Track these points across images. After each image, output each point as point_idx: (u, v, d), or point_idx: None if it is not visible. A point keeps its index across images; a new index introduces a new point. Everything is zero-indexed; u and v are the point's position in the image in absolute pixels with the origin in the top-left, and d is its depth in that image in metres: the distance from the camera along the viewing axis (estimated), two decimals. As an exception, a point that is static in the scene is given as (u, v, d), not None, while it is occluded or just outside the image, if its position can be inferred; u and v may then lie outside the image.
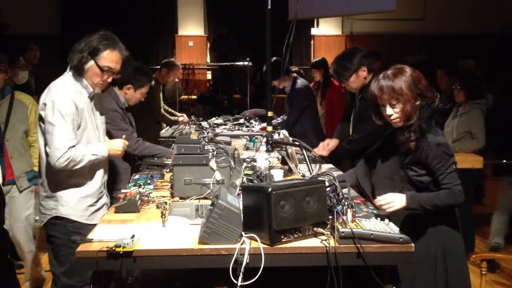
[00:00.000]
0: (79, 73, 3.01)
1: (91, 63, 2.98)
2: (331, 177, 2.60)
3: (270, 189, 2.25)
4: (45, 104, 2.92)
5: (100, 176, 3.16)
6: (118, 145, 3.21)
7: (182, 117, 5.73)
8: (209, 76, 11.55)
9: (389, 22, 11.27)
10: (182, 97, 8.15)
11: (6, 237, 3.13)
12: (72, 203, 3.01)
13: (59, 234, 2.96)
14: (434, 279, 2.73)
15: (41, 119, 2.95)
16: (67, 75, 3.04)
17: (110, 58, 3.01)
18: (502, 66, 8.99)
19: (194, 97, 10.03)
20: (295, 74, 5.82)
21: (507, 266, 4.75)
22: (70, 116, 2.91)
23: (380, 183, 2.85)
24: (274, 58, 5.46)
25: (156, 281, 2.75)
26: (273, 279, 2.35)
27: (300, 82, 5.72)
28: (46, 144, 2.91)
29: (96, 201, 3.05)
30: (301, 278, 2.53)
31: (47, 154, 2.92)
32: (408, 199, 2.64)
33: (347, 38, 11.79)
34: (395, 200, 2.64)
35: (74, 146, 2.90)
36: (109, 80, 3.09)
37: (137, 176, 3.45)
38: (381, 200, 2.66)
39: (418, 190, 2.71)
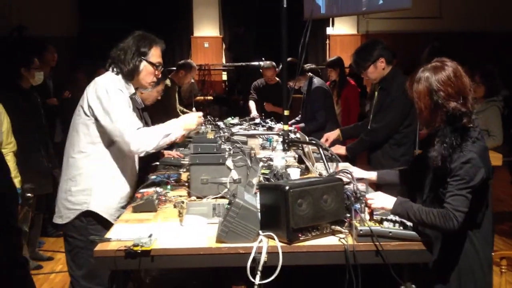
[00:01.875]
0: (131, 78, 3.06)
1: (144, 63, 3.05)
2: (349, 175, 2.58)
3: (287, 187, 2.24)
4: (97, 96, 2.92)
5: (133, 178, 3.17)
6: (192, 120, 3.14)
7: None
8: (224, 77, 11.57)
9: (405, 21, 11.20)
10: (198, 97, 8.18)
11: (18, 236, 3.09)
12: (106, 199, 2.99)
13: (79, 236, 2.95)
14: None
15: (85, 111, 2.96)
16: (111, 75, 3.07)
17: (157, 53, 3.10)
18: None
19: (209, 98, 10.05)
20: (310, 74, 5.78)
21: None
22: (126, 102, 2.99)
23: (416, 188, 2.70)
24: (289, 58, 5.45)
25: (174, 280, 2.76)
26: (290, 278, 2.34)
27: (317, 81, 5.69)
28: (111, 134, 2.92)
29: (127, 204, 3.04)
30: (318, 277, 2.51)
31: (117, 144, 2.93)
32: (397, 205, 2.41)
33: (362, 37, 11.72)
34: (378, 199, 2.45)
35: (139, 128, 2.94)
36: (159, 76, 3.17)
37: (153, 176, 3.45)
38: (369, 195, 2.50)
39: (440, 204, 2.42)
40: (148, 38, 3.10)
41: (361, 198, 2.43)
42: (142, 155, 2.98)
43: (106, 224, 2.94)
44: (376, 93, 4.01)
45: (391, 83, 3.88)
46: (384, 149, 3.87)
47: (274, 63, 7.03)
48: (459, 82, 2.40)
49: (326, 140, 4.13)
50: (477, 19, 11.13)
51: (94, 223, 2.97)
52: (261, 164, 3.18)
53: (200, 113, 3.24)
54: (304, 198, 2.27)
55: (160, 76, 3.19)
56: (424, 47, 10.66)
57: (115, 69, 3.05)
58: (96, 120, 2.94)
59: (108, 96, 2.92)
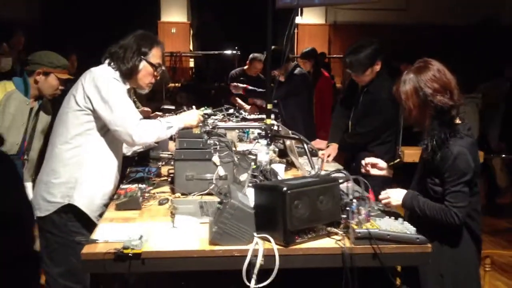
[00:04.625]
0: (129, 77, 2.98)
1: (143, 63, 2.99)
2: (345, 175, 2.53)
3: (285, 188, 2.16)
4: (95, 85, 2.83)
5: (118, 175, 3.06)
6: (193, 117, 3.13)
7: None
8: (191, 64, 11.39)
9: (373, 12, 11.23)
10: (170, 85, 8.01)
11: (37, 262, 2.87)
12: (90, 194, 2.88)
13: (59, 233, 2.82)
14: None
15: (78, 101, 2.85)
16: (109, 68, 2.98)
17: (158, 54, 3.05)
18: (484, 58, 9.02)
19: (178, 85, 9.87)
20: (296, 62, 5.68)
21: (499, 259, 4.76)
22: (126, 93, 2.94)
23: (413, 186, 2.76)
24: (274, 47, 5.36)
25: (160, 281, 2.66)
26: (285, 281, 2.27)
27: (299, 70, 5.59)
28: (110, 124, 2.83)
29: (109, 202, 2.92)
30: (314, 280, 2.45)
31: (117, 134, 2.85)
32: (407, 197, 2.56)
33: (330, 27, 11.73)
34: (393, 196, 2.59)
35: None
36: (158, 77, 3.13)
37: (133, 173, 3.31)
38: (382, 193, 2.63)
39: (430, 198, 2.56)
40: (150, 38, 3.05)
41: (360, 198, 2.39)
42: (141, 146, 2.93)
43: (87, 222, 2.83)
44: (362, 95, 3.91)
45: (379, 88, 3.77)
46: (368, 148, 3.83)
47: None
48: (443, 78, 2.51)
49: (329, 156, 3.98)
50: (442, 12, 11.24)
51: (74, 220, 2.84)
52: (252, 162, 3.08)
53: (201, 112, 3.19)
54: (301, 199, 2.20)
55: (158, 77, 3.13)
56: (390, 38, 10.75)
57: (113, 66, 2.94)
58: (92, 110, 2.83)
59: (107, 86, 2.82)
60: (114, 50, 2.98)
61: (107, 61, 2.98)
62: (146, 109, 5.45)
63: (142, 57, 2.98)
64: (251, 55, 7.22)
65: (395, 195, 2.60)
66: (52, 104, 3.58)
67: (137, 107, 5.68)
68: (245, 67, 7.25)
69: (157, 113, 5.48)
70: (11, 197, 2.33)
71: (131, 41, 2.99)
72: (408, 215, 2.60)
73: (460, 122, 2.55)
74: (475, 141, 2.59)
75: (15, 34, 5.67)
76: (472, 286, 2.61)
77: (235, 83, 6.09)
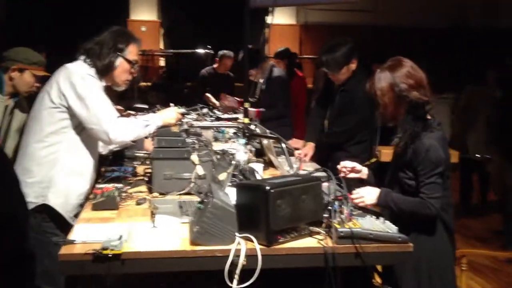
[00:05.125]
0: (105, 73, 2.92)
1: (120, 60, 2.93)
2: (327, 173, 2.52)
3: (268, 187, 2.14)
4: (70, 82, 2.76)
5: (94, 175, 2.98)
6: (172, 115, 3.09)
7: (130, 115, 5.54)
8: (162, 63, 11.27)
9: (342, 13, 11.32)
10: (141, 84, 7.92)
11: (33, 262, 2.78)
12: (65, 194, 2.81)
13: (32, 233, 2.74)
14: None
15: (52, 98, 2.79)
16: (84, 64, 2.92)
17: (134, 51, 3.01)
18: (452, 61, 9.16)
19: (149, 84, 9.76)
20: (272, 62, 5.66)
21: (473, 259, 4.83)
22: (102, 90, 2.88)
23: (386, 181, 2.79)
24: (250, 46, 5.33)
25: (139, 282, 2.60)
26: (266, 281, 2.24)
27: (277, 71, 5.58)
28: (86, 122, 2.77)
29: (84, 202, 2.84)
30: (297, 280, 2.43)
31: (93, 133, 2.79)
32: (381, 195, 2.59)
33: (301, 27, 11.74)
34: (366, 195, 2.61)
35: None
36: (135, 74, 3.08)
37: (109, 172, 3.23)
38: (354, 194, 2.62)
39: (404, 193, 2.63)
40: (126, 34, 3.01)
41: (342, 197, 2.37)
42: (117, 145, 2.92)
43: (62, 222, 2.77)
44: (338, 94, 3.91)
45: (356, 87, 3.77)
46: (344, 147, 3.83)
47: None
48: (417, 74, 2.58)
49: (305, 155, 3.94)
50: (411, 14, 11.38)
51: (49, 220, 2.77)
52: (233, 162, 3.04)
53: (180, 110, 3.14)
54: (283, 198, 2.18)
55: (136, 74, 3.08)
56: (359, 39, 10.80)
57: (88, 62, 2.87)
58: (67, 108, 2.76)
59: (83, 82, 2.76)
60: (89, 46, 2.92)
61: (82, 57, 2.91)
62: (118, 107, 5.37)
63: (119, 53, 2.93)
64: (220, 52, 7.21)
65: (368, 195, 2.62)
66: (28, 102, 3.48)
67: None
68: (215, 65, 7.22)
69: (129, 111, 5.40)
70: (7, 197, 2.25)
71: (107, 37, 2.93)
72: (388, 213, 2.60)
73: (430, 118, 2.63)
74: (445, 135, 2.70)
75: None
76: (448, 278, 2.64)
77: (226, 96, 6.03)
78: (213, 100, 6.80)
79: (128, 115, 4.64)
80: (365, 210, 2.56)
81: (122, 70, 2.97)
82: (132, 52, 2.99)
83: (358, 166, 2.89)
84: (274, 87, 5.42)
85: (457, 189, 6.55)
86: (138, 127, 2.86)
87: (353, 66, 3.77)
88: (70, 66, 2.86)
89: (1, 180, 2.22)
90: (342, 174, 2.84)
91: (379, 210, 2.66)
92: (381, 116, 2.67)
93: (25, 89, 3.38)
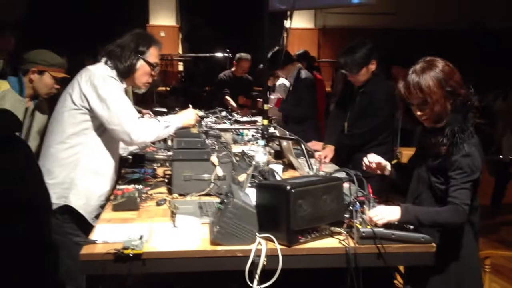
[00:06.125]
0: (126, 75, 2.95)
1: (141, 62, 2.95)
2: (350, 174, 2.50)
3: (289, 187, 2.13)
4: (92, 84, 2.78)
5: (115, 176, 3.00)
6: (191, 116, 3.09)
7: (148, 114, 5.58)
8: (180, 67, 11.32)
9: (362, 16, 11.26)
10: (160, 88, 7.95)
11: (55, 253, 2.79)
12: (86, 195, 2.82)
13: (54, 234, 2.75)
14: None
15: (74, 100, 2.81)
16: (105, 66, 2.94)
17: (155, 54, 3.02)
18: (473, 63, 9.06)
19: (167, 88, 9.80)
20: (299, 65, 5.66)
21: (494, 261, 4.76)
22: (123, 91, 2.90)
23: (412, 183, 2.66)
24: (276, 47, 5.35)
25: (159, 282, 2.60)
26: (287, 281, 2.23)
27: (305, 73, 5.57)
28: (107, 123, 2.78)
29: (105, 204, 2.85)
30: (318, 280, 2.42)
31: (115, 133, 2.80)
32: (403, 211, 2.35)
33: (319, 31, 11.71)
34: (385, 212, 2.34)
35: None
36: (156, 77, 3.10)
37: (129, 174, 3.24)
38: (371, 213, 2.35)
39: (437, 198, 2.48)
40: (148, 37, 3.02)
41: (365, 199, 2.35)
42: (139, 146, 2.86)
43: (83, 223, 2.77)
44: (358, 96, 3.87)
45: (375, 89, 3.76)
46: (364, 149, 3.78)
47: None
48: (457, 73, 2.45)
49: (325, 157, 3.87)
50: (431, 17, 11.30)
51: (70, 221, 2.79)
52: (254, 162, 3.03)
53: (199, 112, 3.16)
54: (304, 198, 2.17)
55: (156, 77, 3.10)
56: (380, 43, 10.74)
57: (109, 64, 2.90)
58: (89, 109, 2.77)
59: (105, 84, 2.78)
60: (111, 48, 2.93)
61: (103, 60, 2.93)
62: (146, 111, 5.42)
63: (140, 56, 2.94)
64: (237, 55, 7.22)
65: (386, 214, 2.35)
66: (48, 104, 3.51)
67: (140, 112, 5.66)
68: (233, 69, 7.23)
69: (148, 112, 5.44)
70: (31, 186, 2.27)
71: (129, 40, 2.94)
72: None
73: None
74: (479, 140, 2.53)
75: (4, 35, 5.58)
76: (476, 282, 2.57)
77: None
78: (232, 103, 6.82)
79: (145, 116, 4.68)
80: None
81: (143, 73, 2.99)
82: (153, 54, 3.00)
83: (383, 161, 2.80)
84: (301, 88, 5.42)
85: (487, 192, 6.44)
86: (159, 128, 2.87)
87: (372, 67, 3.74)
88: (91, 68, 2.88)
89: (25, 170, 2.25)
90: (366, 168, 2.77)
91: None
92: (425, 117, 2.47)
93: (45, 91, 3.40)
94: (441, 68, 2.41)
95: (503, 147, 5.91)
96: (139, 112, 5.58)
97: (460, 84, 2.42)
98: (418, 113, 2.46)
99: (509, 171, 6.20)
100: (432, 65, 2.43)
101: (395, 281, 2.47)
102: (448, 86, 2.39)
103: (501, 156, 5.45)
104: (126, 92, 3.30)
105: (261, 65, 5.66)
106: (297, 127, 4.99)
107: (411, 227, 2.30)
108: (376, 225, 2.27)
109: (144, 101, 6.61)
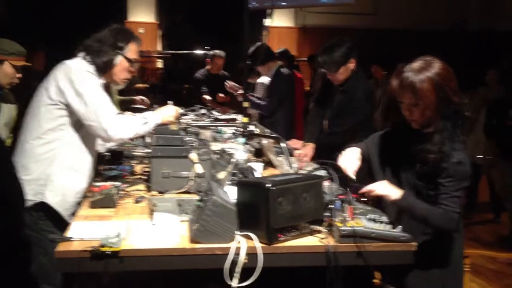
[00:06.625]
0: (104, 71, 2.89)
1: (119, 58, 2.91)
2: (330, 170, 2.48)
3: (268, 185, 2.11)
4: (69, 78, 2.73)
5: (92, 173, 2.94)
6: (170, 112, 3.03)
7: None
8: (160, 64, 11.24)
9: (342, 16, 11.28)
10: (139, 85, 7.87)
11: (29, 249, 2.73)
12: (63, 191, 2.76)
13: (29, 231, 2.69)
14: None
15: (51, 94, 2.75)
16: (83, 61, 2.88)
17: (134, 49, 2.99)
18: (451, 64, 9.13)
19: (146, 85, 9.72)
20: (280, 62, 5.64)
21: (474, 261, 4.80)
22: (101, 86, 2.84)
23: (388, 176, 2.58)
24: (259, 43, 5.32)
25: (137, 281, 2.56)
26: (268, 280, 2.21)
27: (284, 71, 5.56)
28: (84, 118, 2.73)
29: (82, 200, 2.80)
30: (298, 278, 2.40)
31: (90, 129, 2.76)
32: (403, 195, 2.33)
33: (300, 30, 11.72)
34: (386, 187, 2.35)
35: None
36: (135, 73, 3.08)
37: (106, 171, 3.19)
38: (371, 186, 2.37)
39: (420, 199, 2.42)
40: (127, 32, 2.99)
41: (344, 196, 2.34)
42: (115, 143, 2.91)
43: (59, 220, 2.72)
44: (337, 94, 3.86)
45: (355, 87, 3.76)
46: (344, 148, 3.77)
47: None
48: (454, 77, 2.36)
49: (305, 155, 3.84)
50: (410, 17, 11.38)
51: (46, 219, 2.73)
52: (233, 160, 3.01)
53: (178, 108, 3.12)
54: (284, 196, 2.15)
55: (135, 73, 3.03)
56: (359, 42, 10.76)
57: (87, 59, 2.85)
58: (66, 104, 2.72)
59: (82, 79, 2.73)
60: (89, 43, 2.88)
61: (81, 54, 2.87)
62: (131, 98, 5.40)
63: (119, 51, 2.90)
64: (211, 52, 7.17)
65: (386, 188, 2.37)
66: (17, 96, 3.42)
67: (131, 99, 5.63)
68: (208, 67, 7.18)
69: (142, 97, 5.41)
70: (5, 183, 2.22)
71: (107, 35, 2.90)
72: (395, 216, 2.44)
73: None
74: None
75: None
76: (459, 283, 2.58)
77: (231, 83, 6.03)
78: (210, 101, 6.77)
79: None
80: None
81: (122, 68, 2.94)
82: (132, 50, 2.96)
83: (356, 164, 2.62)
84: (279, 84, 5.43)
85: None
86: (137, 124, 2.82)
87: (351, 65, 3.74)
88: (68, 62, 2.83)
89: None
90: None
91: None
92: (412, 118, 2.40)
93: (6, 81, 3.30)
94: (438, 71, 2.31)
95: (468, 147, 5.98)
96: (132, 101, 5.58)
97: (455, 91, 2.33)
98: (407, 113, 2.40)
99: (478, 171, 6.27)
100: (430, 66, 2.32)
101: (374, 280, 2.45)
102: (442, 92, 2.30)
103: None
104: (109, 88, 3.26)
105: (242, 63, 5.64)
106: (267, 119, 5.03)
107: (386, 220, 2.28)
108: (367, 196, 2.33)
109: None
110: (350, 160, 2.60)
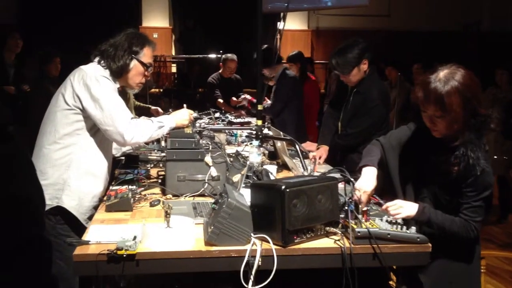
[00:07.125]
0: (119, 75, 2.93)
1: (134, 62, 2.93)
2: (344, 174, 2.48)
3: (283, 187, 2.11)
4: (85, 83, 2.76)
5: (108, 177, 2.97)
6: (184, 116, 3.07)
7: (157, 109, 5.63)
8: (174, 69, 11.30)
9: (355, 18, 11.28)
10: (153, 90, 7.92)
11: (48, 250, 2.75)
12: (79, 196, 2.79)
13: (47, 236, 2.73)
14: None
15: (67, 100, 2.78)
16: (98, 66, 2.91)
17: (149, 54, 3.01)
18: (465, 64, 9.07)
19: (160, 90, 9.79)
20: (286, 65, 5.66)
21: (490, 263, 4.76)
22: (116, 91, 2.87)
23: (406, 181, 2.59)
24: (266, 45, 5.33)
25: (153, 284, 2.58)
26: (283, 282, 2.21)
27: (289, 73, 5.57)
28: (100, 123, 2.76)
29: (98, 205, 2.82)
30: (314, 280, 2.40)
31: (108, 134, 2.78)
32: (420, 210, 2.34)
33: (313, 33, 11.73)
34: (404, 207, 2.35)
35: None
36: (149, 77, 3.09)
37: (122, 175, 3.22)
38: (390, 204, 2.38)
39: (437, 205, 2.44)
40: (141, 37, 3.00)
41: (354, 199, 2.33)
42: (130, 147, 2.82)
43: (76, 224, 2.75)
44: (351, 96, 3.85)
45: (370, 89, 3.72)
46: (358, 149, 3.77)
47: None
48: (479, 87, 2.32)
49: (320, 157, 3.85)
50: (424, 19, 11.33)
51: (63, 223, 2.76)
52: (248, 163, 3.01)
53: (192, 111, 3.15)
54: (299, 198, 2.15)
55: (149, 77, 3.08)
56: (373, 44, 10.69)
57: (102, 64, 2.88)
58: (82, 109, 2.75)
59: (98, 84, 2.75)
60: (104, 48, 2.91)
61: (96, 59, 2.90)
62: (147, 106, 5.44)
63: (133, 56, 2.92)
64: (223, 56, 7.17)
65: (405, 208, 2.36)
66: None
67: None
68: (220, 71, 7.19)
69: (157, 108, 5.45)
70: (25, 182, 2.24)
71: (122, 39, 2.92)
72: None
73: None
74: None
75: (12, 36, 5.66)
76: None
77: (243, 96, 6.08)
78: (225, 105, 6.79)
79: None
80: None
81: (136, 73, 2.97)
82: (147, 55, 2.99)
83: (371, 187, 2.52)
84: (281, 86, 5.46)
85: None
86: (152, 128, 2.85)
87: (364, 67, 3.71)
88: (84, 68, 2.86)
89: (19, 166, 2.22)
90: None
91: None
92: (436, 129, 2.35)
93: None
94: (465, 82, 2.24)
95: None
96: (148, 109, 5.63)
97: (480, 102, 2.28)
98: (429, 123, 2.35)
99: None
100: (456, 76, 2.25)
101: (391, 282, 2.45)
102: (470, 104, 2.25)
103: None
104: (125, 92, 3.27)
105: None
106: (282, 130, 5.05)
107: (401, 222, 2.28)
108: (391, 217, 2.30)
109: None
110: (366, 181, 2.51)
